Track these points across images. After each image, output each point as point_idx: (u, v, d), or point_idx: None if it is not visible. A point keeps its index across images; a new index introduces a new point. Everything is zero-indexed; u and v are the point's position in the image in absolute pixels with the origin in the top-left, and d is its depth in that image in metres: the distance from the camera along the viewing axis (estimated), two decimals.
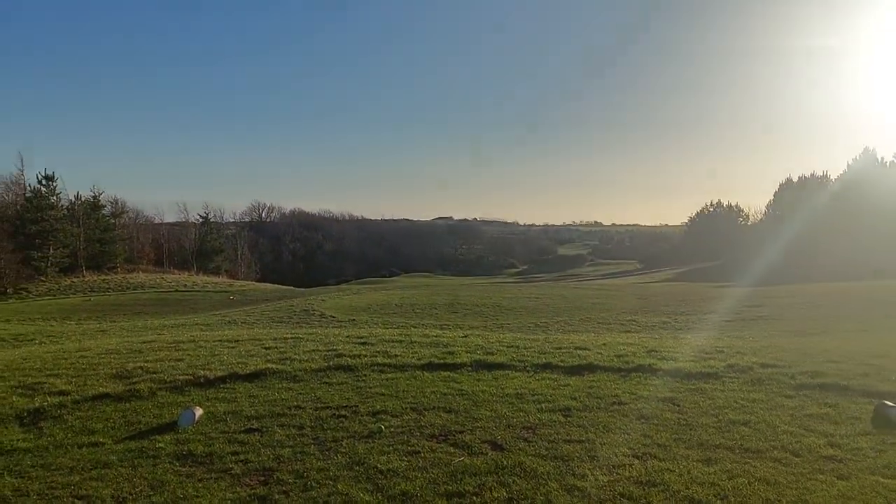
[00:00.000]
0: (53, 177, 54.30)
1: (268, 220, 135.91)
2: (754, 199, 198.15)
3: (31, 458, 4.83)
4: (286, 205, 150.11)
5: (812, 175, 65.73)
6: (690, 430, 5.22)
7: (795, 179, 67.32)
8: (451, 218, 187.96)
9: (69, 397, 6.46)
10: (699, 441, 4.95)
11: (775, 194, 69.15)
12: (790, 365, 7.49)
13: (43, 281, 48.98)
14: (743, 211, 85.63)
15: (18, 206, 53.82)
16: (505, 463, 4.56)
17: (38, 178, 54.08)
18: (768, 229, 61.13)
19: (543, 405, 6.16)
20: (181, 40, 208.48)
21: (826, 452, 4.69)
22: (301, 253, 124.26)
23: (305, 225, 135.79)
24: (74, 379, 7.27)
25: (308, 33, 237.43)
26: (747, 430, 5.23)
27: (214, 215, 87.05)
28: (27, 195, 54.23)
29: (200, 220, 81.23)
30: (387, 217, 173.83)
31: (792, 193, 65.04)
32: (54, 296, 43.53)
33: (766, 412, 5.75)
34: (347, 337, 10.68)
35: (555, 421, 5.63)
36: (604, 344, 9.63)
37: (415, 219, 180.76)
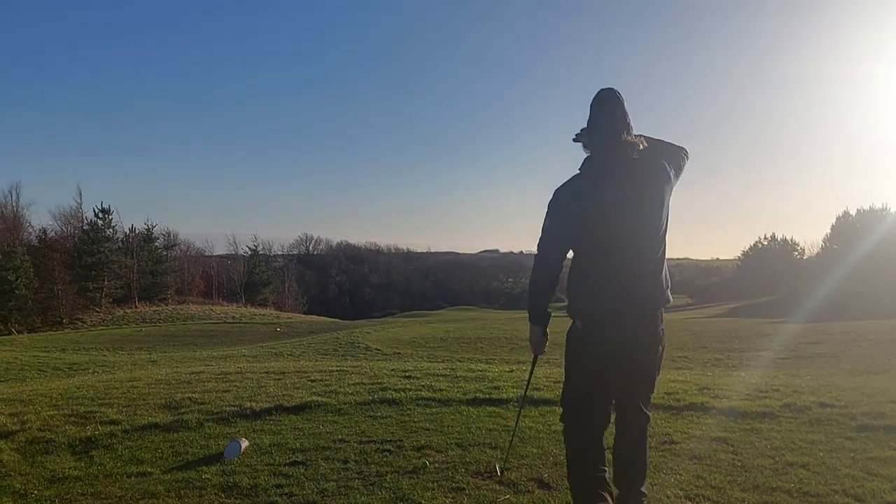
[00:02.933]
0: (109, 210, 56.32)
1: (315, 252, 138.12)
2: (809, 232, 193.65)
3: (82, 486, 4.90)
4: (333, 237, 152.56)
5: (871, 208, 63.77)
6: (746, 471, 5.02)
7: (853, 212, 65.34)
8: (496, 251, 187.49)
9: (119, 426, 6.56)
10: (755, 483, 4.76)
11: (832, 227, 67.10)
12: (850, 405, 7.17)
13: (97, 311, 50.53)
14: (798, 244, 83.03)
15: (76, 239, 55.85)
16: (552, 502, 4.45)
17: (94, 211, 56.16)
18: (825, 263, 59.35)
19: None
20: (230, 75, 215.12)
21: (891, 498, 4.45)
22: (347, 285, 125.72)
23: (352, 257, 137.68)
24: (125, 408, 7.40)
25: (363, 66, 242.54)
26: (806, 472, 5.00)
27: (263, 248, 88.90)
28: (84, 228, 56.24)
29: (249, 252, 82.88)
30: (433, 249, 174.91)
31: (849, 226, 63.17)
32: (108, 326, 44.77)
33: (826, 454, 5.50)
34: (392, 370, 10.65)
35: None
36: None
37: (461, 251, 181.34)
